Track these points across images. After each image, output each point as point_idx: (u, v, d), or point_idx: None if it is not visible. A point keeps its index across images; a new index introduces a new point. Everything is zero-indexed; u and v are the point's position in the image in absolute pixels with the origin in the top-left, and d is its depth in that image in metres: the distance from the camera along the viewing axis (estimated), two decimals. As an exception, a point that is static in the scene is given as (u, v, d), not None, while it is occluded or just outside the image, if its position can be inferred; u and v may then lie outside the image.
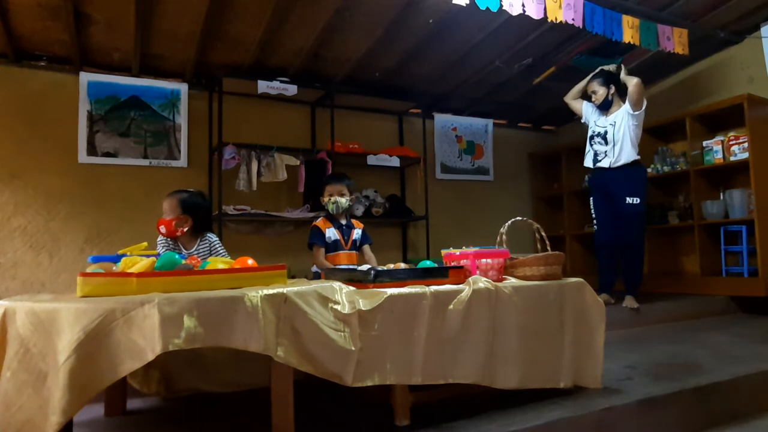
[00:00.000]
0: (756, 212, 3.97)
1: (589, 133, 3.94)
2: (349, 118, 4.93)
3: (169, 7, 3.43)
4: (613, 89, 3.81)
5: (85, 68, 4.04)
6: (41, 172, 3.88)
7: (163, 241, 2.54)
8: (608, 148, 3.78)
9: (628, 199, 3.65)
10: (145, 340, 1.35)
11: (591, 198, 3.99)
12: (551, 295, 2.03)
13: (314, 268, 3.06)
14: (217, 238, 2.68)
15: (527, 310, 1.96)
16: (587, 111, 4.02)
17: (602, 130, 3.83)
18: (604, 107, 3.86)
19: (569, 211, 5.70)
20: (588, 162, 3.96)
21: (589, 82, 3.94)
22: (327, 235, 3.00)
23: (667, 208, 4.81)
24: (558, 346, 2.02)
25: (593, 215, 3.97)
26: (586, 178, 4.72)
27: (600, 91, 3.83)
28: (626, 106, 3.71)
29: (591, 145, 3.92)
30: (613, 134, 3.75)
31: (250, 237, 4.51)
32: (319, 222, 3.06)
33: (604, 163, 3.80)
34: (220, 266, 1.70)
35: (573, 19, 3.21)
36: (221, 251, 2.62)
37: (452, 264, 2.08)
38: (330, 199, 3.03)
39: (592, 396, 2.01)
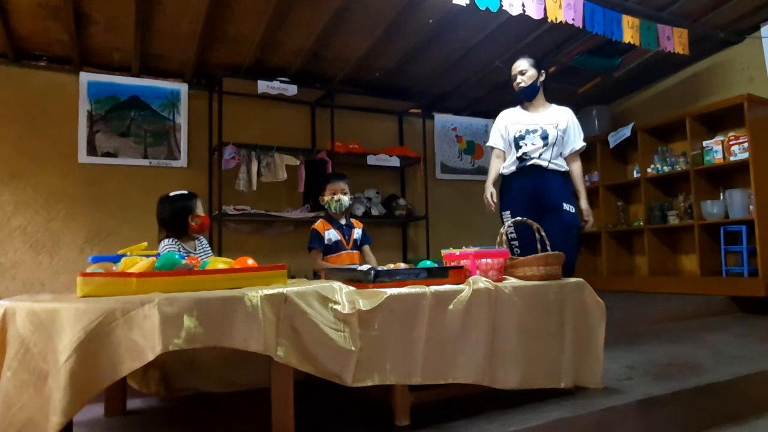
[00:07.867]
0: (756, 212, 3.97)
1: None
2: (349, 118, 4.93)
3: (169, 7, 3.43)
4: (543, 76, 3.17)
5: (85, 68, 4.04)
6: (41, 172, 3.88)
7: (170, 243, 2.49)
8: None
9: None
10: (145, 340, 1.35)
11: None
12: (551, 295, 2.03)
13: (316, 269, 3.06)
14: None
15: (527, 310, 1.96)
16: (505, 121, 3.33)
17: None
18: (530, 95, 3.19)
19: (569, 211, 5.70)
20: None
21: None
22: (327, 237, 2.97)
23: (667, 208, 4.81)
24: (558, 346, 2.02)
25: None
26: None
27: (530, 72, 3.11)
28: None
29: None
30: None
31: (250, 237, 4.51)
32: (318, 225, 3.01)
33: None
34: (220, 266, 1.70)
35: (573, 19, 3.21)
36: (210, 253, 2.67)
37: (452, 264, 2.08)
38: (333, 198, 2.99)
39: (592, 396, 2.01)
